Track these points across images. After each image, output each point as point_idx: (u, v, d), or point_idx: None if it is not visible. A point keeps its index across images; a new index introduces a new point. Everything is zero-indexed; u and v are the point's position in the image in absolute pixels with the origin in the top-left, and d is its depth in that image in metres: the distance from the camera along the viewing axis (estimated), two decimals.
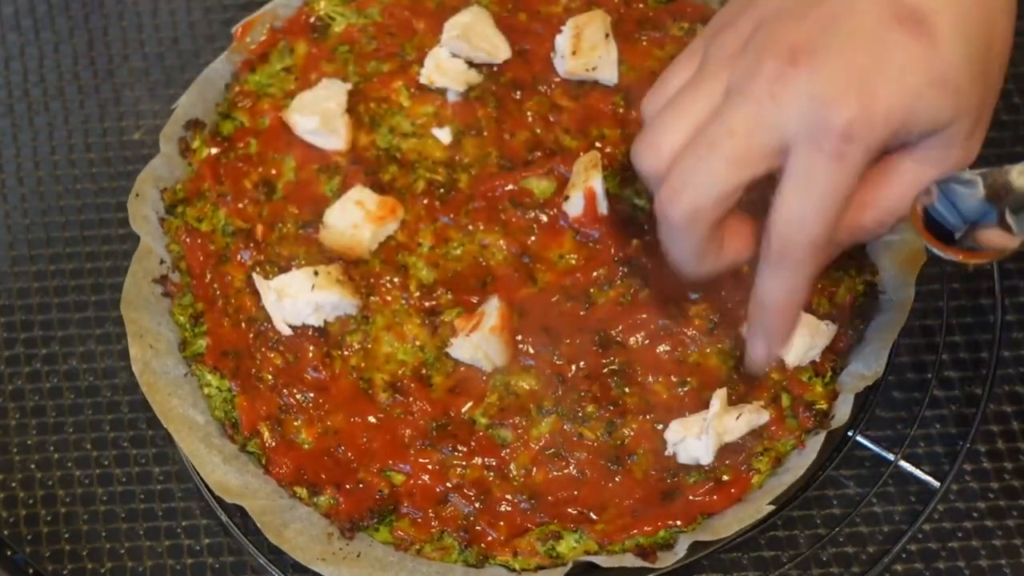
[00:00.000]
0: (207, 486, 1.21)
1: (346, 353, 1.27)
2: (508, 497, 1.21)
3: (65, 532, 1.28)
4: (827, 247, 1.02)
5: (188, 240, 1.32)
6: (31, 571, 1.26)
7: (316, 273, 1.27)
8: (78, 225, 1.44)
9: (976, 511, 1.27)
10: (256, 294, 1.29)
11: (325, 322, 1.27)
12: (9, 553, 1.27)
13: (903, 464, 1.24)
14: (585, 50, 1.36)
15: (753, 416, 1.21)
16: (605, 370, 1.25)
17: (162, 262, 1.31)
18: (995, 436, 1.30)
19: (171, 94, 1.47)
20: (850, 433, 1.23)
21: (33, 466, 1.32)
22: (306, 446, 1.24)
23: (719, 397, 1.20)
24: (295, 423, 1.25)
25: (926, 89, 0.97)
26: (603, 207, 1.30)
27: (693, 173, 1.02)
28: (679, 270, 1.09)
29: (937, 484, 1.23)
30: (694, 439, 1.19)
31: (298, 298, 1.26)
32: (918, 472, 1.24)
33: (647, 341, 1.25)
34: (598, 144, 1.35)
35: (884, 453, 1.24)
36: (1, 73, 1.52)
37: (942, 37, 0.97)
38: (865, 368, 1.23)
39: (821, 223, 0.99)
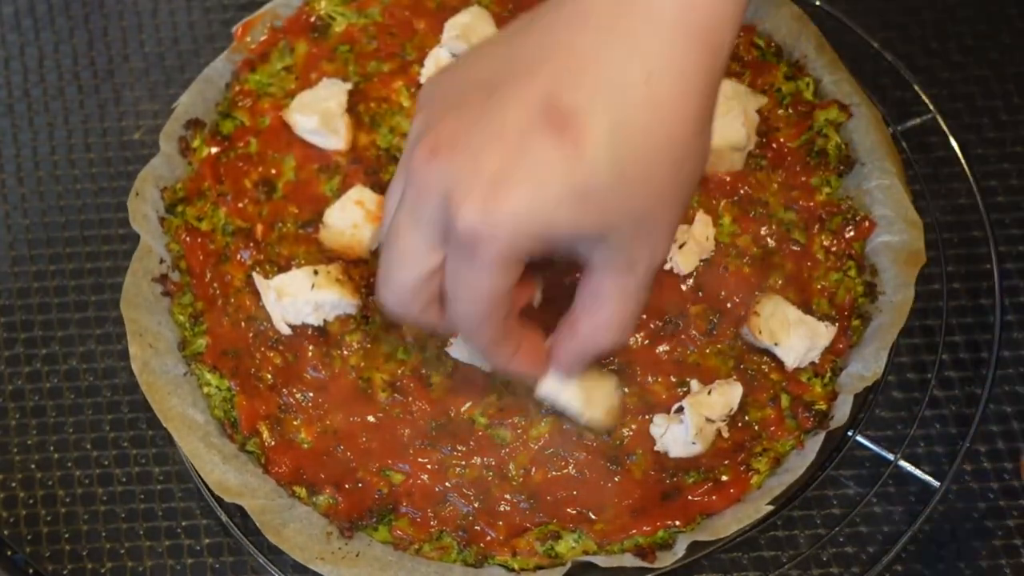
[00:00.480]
0: (207, 486, 1.21)
1: (345, 353, 1.27)
2: (507, 497, 1.21)
3: (65, 532, 1.28)
4: (496, 323, 1.00)
5: (188, 239, 1.32)
6: (31, 571, 1.26)
7: (316, 272, 1.27)
8: (78, 225, 1.44)
9: (976, 511, 1.27)
10: (256, 293, 1.29)
11: (325, 321, 1.27)
12: (9, 553, 1.27)
13: (903, 464, 1.24)
14: None
15: (726, 388, 1.21)
16: (605, 370, 1.25)
17: (162, 261, 1.31)
18: (995, 436, 1.30)
19: (171, 94, 1.47)
20: (850, 433, 1.23)
21: (33, 466, 1.32)
22: (305, 445, 1.24)
23: (695, 382, 1.21)
24: (294, 422, 1.25)
25: (564, 200, 0.91)
26: None
27: (383, 277, 1.03)
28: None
29: (937, 484, 1.23)
30: (677, 424, 1.20)
31: (298, 297, 1.26)
32: (918, 472, 1.24)
33: (646, 341, 1.26)
34: None
35: (884, 453, 1.24)
36: (1, 73, 1.53)
37: (590, 143, 0.90)
38: (864, 369, 1.23)
39: (467, 318, 0.99)
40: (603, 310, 1.01)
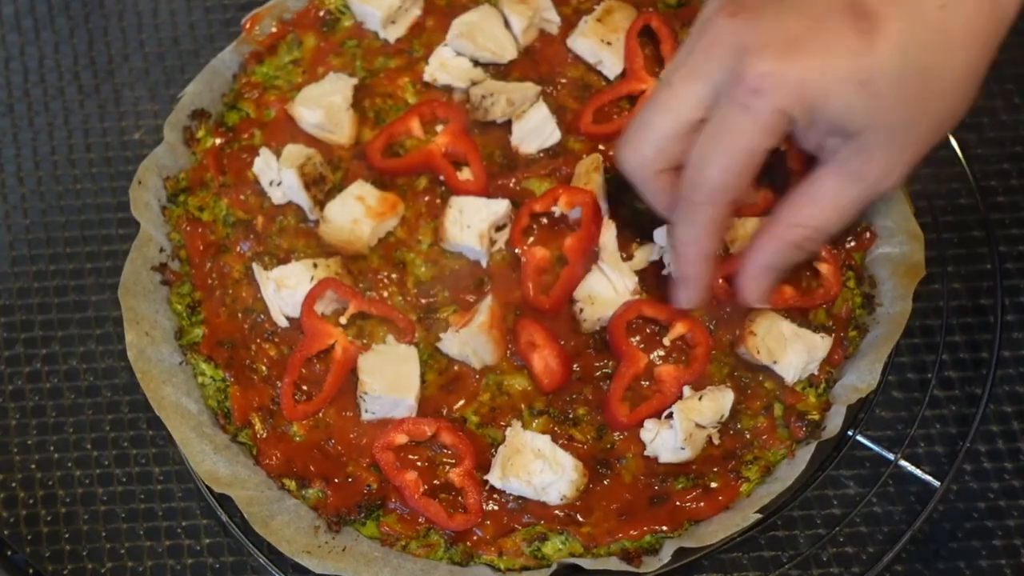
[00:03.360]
0: (197, 476, 1.21)
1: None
2: (496, 496, 1.21)
3: (65, 532, 1.28)
4: (727, 199, 1.06)
5: (188, 229, 1.32)
6: (31, 571, 1.26)
7: (315, 265, 1.27)
8: (78, 225, 1.44)
9: (976, 511, 1.27)
10: (253, 285, 1.29)
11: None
12: (9, 553, 1.27)
13: (903, 464, 1.24)
14: (606, 26, 1.38)
15: (717, 394, 1.21)
16: (598, 373, 1.25)
17: (162, 250, 1.31)
18: (995, 436, 1.30)
19: (171, 94, 1.47)
20: (850, 433, 1.23)
21: (33, 466, 1.32)
22: (297, 438, 1.24)
23: (687, 390, 1.21)
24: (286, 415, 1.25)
25: (846, 80, 0.99)
26: (603, 209, 1.30)
27: (637, 124, 1.09)
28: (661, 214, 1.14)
29: (937, 484, 1.23)
30: (667, 430, 1.20)
31: (297, 289, 1.26)
32: (918, 472, 1.24)
33: (643, 345, 1.26)
34: (601, 147, 1.35)
35: (884, 453, 1.24)
36: (1, 73, 1.53)
37: (883, 40, 0.98)
38: (859, 380, 1.23)
39: (720, 170, 1.04)
40: (814, 208, 1.07)
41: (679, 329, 1.24)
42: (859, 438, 1.23)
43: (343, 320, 1.26)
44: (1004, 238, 1.38)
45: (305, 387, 1.25)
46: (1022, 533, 1.26)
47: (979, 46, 1.01)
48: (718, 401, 1.20)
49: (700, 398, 1.20)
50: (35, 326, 1.38)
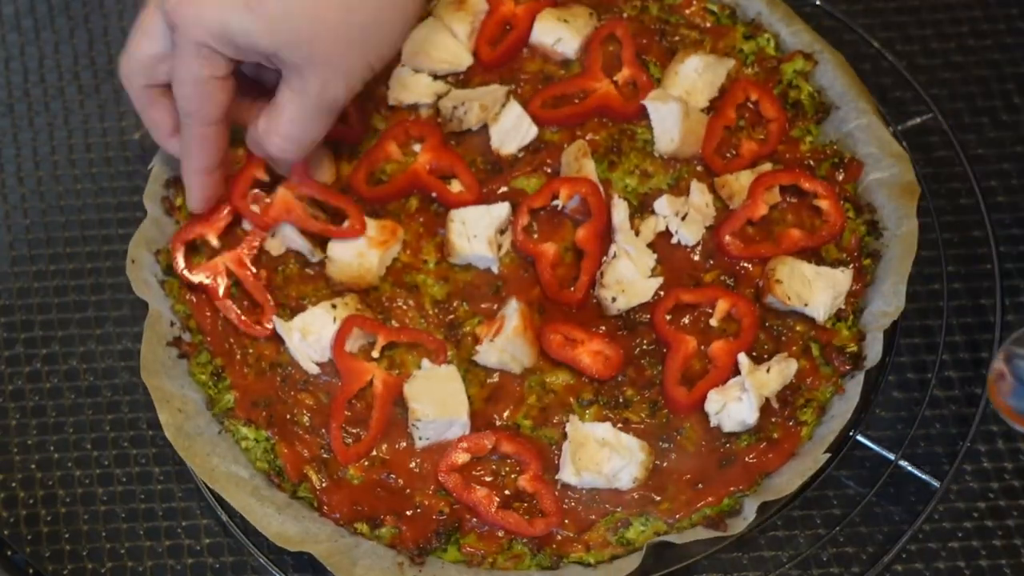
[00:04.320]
0: (209, 487, 1.21)
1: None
2: (569, 494, 1.21)
3: (65, 532, 1.28)
4: (207, 121, 1.18)
5: (193, 298, 1.30)
6: (31, 571, 1.26)
7: (335, 306, 1.26)
8: (78, 225, 1.43)
9: (976, 511, 1.27)
10: (274, 339, 1.27)
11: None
12: (9, 553, 1.27)
13: (903, 464, 1.24)
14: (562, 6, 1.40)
15: (783, 366, 1.22)
16: (636, 351, 1.26)
17: (172, 324, 1.29)
18: (995, 436, 1.30)
19: None
20: (851, 433, 1.23)
21: (33, 466, 1.32)
22: (356, 481, 1.23)
23: (743, 357, 1.22)
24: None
25: (239, 6, 1.10)
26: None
27: (129, 41, 1.21)
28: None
29: (937, 484, 1.23)
30: (735, 403, 1.20)
31: (322, 334, 1.25)
32: (918, 472, 1.24)
33: (669, 316, 1.26)
34: (578, 133, 1.35)
35: (884, 453, 1.24)
36: (1, 73, 1.53)
37: None
38: (886, 305, 1.24)
39: (185, 98, 1.18)
40: (278, 117, 1.19)
41: (723, 307, 1.26)
42: (859, 438, 1.23)
43: (375, 354, 1.26)
44: (1004, 238, 1.38)
45: (352, 429, 1.24)
46: (1022, 533, 1.26)
47: None
48: (784, 371, 1.22)
49: (768, 370, 1.21)
50: (35, 326, 1.38)
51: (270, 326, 1.27)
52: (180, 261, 1.29)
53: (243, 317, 1.27)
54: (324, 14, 1.12)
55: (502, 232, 1.30)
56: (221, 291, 1.29)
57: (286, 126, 1.18)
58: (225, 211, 1.30)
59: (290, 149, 1.20)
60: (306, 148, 1.21)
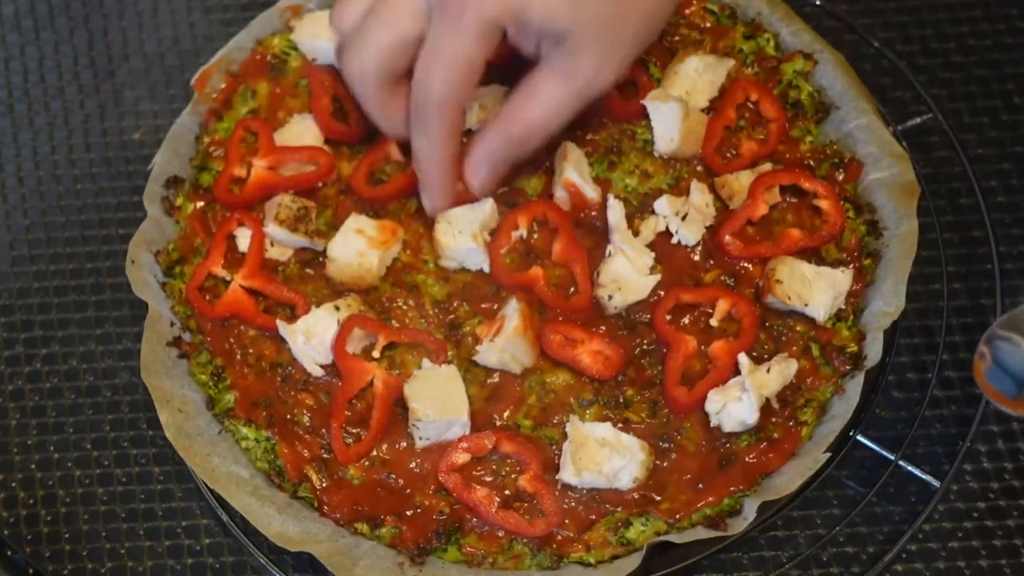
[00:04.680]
0: (209, 487, 1.22)
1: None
2: (569, 494, 1.21)
3: (65, 532, 1.28)
4: (454, 108, 1.15)
5: (193, 299, 1.29)
6: (31, 571, 1.26)
7: (337, 308, 1.26)
8: (78, 225, 1.44)
9: (976, 511, 1.27)
10: (275, 340, 1.27)
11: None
12: (9, 553, 1.27)
13: (903, 464, 1.24)
14: None
15: (783, 366, 1.22)
16: (637, 351, 1.26)
17: (172, 324, 1.28)
18: (995, 436, 1.30)
19: (171, 94, 1.47)
20: (851, 433, 1.23)
21: (33, 466, 1.32)
22: (356, 481, 1.22)
23: (743, 357, 1.22)
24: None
25: None
26: (589, 192, 1.30)
27: (359, 37, 1.16)
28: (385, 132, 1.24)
29: (937, 484, 1.23)
30: (735, 403, 1.20)
31: (326, 336, 1.25)
32: (918, 472, 1.24)
33: (669, 316, 1.26)
34: (579, 133, 1.35)
35: (884, 453, 1.24)
36: (1, 73, 1.53)
37: None
38: (886, 305, 1.24)
39: (441, 82, 1.13)
40: (531, 105, 1.16)
41: (723, 307, 1.26)
42: (859, 438, 1.23)
43: (376, 354, 1.26)
44: (1004, 238, 1.38)
45: (352, 429, 1.23)
46: (1022, 533, 1.26)
47: None
48: (784, 371, 1.22)
49: (768, 370, 1.21)
50: (35, 326, 1.38)
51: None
52: (201, 307, 1.28)
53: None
54: (628, 6, 1.11)
55: (490, 232, 1.30)
56: (254, 309, 1.28)
57: (538, 109, 1.16)
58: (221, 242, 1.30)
59: (535, 137, 1.18)
60: (538, 142, 1.19)
